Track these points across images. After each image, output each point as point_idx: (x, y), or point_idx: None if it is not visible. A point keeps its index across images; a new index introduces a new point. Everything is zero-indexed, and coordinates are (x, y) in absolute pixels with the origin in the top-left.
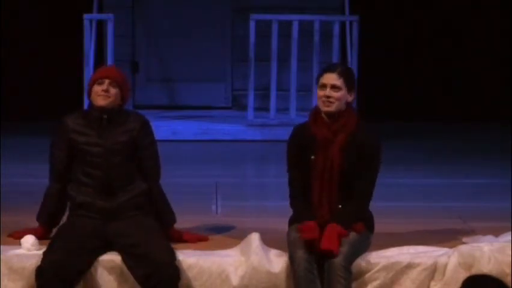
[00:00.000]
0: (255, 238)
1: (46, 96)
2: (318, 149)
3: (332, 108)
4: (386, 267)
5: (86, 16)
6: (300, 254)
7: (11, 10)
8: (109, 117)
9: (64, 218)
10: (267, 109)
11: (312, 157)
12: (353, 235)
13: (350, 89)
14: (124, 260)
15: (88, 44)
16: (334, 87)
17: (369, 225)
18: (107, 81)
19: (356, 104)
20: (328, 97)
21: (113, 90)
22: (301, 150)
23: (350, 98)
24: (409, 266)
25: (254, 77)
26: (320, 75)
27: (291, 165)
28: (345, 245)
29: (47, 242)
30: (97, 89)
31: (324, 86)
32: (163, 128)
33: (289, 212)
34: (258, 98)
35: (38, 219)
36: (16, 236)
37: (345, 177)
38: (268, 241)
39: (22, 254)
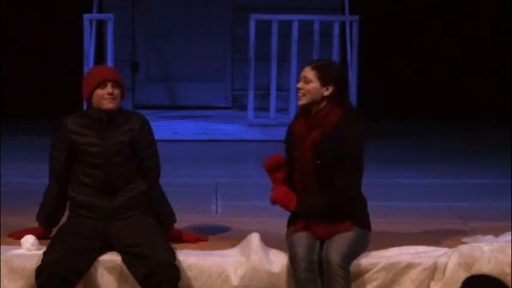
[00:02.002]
0: (255, 238)
1: (46, 96)
2: (296, 145)
3: (303, 101)
4: (386, 267)
5: (86, 16)
6: (301, 254)
7: (12, 10)
8: (109, 118)
9: (64, 218)
10: (267, 109)
11: (295, 153)
12: (349, 234)
13: (325, 83)
14: (124, 260)
15: (88, 44)
16: (305, 79)
17: (365, 224)
18: (110, 83)
19: (356, 103)
20: (300, 89)
21: (117, 92)
22: (288, 146)
23: (325, 92)
24: (409, 266)
25: (254, 77)
26: None
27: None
28: (343, 244)
29: (47, 242)
30: (101, 92)
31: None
32: (163, 128)
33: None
34: (258, 98)
35: (37, 219)
36: (16, 236)
37: (321, 173)
38: (268, 241)
39: (22, 254)
